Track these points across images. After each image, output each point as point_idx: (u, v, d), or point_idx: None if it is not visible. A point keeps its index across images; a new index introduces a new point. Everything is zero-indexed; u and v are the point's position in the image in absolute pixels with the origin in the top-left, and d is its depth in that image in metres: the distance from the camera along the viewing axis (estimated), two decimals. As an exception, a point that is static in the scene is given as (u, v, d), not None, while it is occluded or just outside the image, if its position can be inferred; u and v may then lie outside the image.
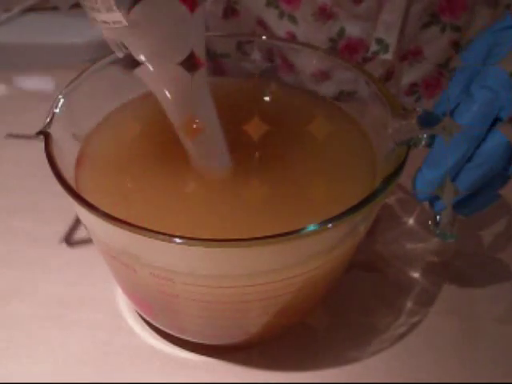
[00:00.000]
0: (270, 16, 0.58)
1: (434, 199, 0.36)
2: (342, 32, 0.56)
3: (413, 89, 0.62)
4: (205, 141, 0.37)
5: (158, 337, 0.41)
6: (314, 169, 0.38)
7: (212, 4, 0.60)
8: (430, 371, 0.39)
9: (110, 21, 0.31)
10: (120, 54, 0.34)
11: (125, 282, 0.38)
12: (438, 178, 0.34)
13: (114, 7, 0.30)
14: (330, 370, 0.39)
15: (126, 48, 0.33)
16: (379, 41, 0.56)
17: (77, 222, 0.47)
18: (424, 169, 0.34)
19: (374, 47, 0.57)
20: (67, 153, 0.36)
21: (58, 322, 0.42)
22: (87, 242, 0.46)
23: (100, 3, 0.30)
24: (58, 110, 0.36)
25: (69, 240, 0.47)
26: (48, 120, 0.35)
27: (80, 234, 0.47)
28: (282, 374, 0.39)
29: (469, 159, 0.33)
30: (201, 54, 0.35)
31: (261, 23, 0.59)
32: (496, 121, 0.33)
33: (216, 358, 0.40)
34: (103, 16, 0.31)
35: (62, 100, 0.36)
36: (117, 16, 0.30)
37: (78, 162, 0.38)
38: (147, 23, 0.32)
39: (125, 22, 0.31)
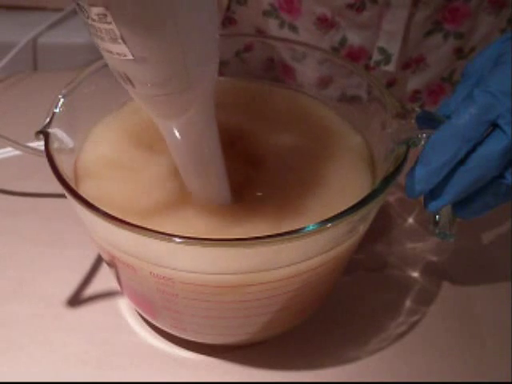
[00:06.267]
0: (270, 25, 0.57)
1: (427, 200, 0.36)
2: (343, 41, 0.56)
3: (416, 96, 0.61)
4: (206, 181, 0.35)
5: (158, 336, 0.41)
6: (314, 168, 0.38)
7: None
8: (429, 370, 0.40)
9: (114, 51, 0.27)
10: (126, 87, 0.30)
11: (125, 281, 0.38)
12: (426, 174, 0.34)
13: (120, 40, 0.26)
14: (329, 370, 0.39)
15: (131, 82, 0.29)
16: (382, 50, 0.56)
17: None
18: (415, 166, 0.34)
19: (376, 56, 0.56)
20: (67, 153, 0.36)
21: (58, 322, 0.42)
22: (86, 243, 0.46)
23: (104, 33, 0.26)
24: (57, 110, 0.36)
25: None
26: (48, 120, 0.35)
27: (79, 236, 0.47)
28: (282, 374, 0.39)
29: (464, 163, 0.34)
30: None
31: (261, 33, 0.59)
32: (495, 127, 0.33)
33: (216, 357, 0.40)
34: (107, 45, 0.27)
35: (61, 100, 0.36)
36: (122, 48, 0.26)
37: (78, 162, 0.39)
38: (155, 59, 0.27)
39: (130, 56, 0.27)
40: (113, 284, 0.43)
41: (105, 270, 0.45)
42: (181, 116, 0.31)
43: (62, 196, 0.32)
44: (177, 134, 0.33)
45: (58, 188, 0.32)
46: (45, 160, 0.33)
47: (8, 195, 0.51)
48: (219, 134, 0.35)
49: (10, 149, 0.54)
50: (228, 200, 0.37)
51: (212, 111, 0.33)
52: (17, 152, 0.51)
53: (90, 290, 0.44)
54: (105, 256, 0.37)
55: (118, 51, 0.27)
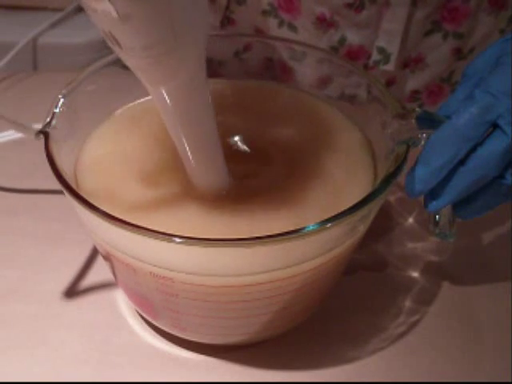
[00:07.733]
0: (270, 25, 0.57)
1: (427, 200, 0.36)
2: (342, 40, 0.56)
3: (415, 96, 0.61)
4: (202, 159, 0.36)
5: (158, 336, 0.41)
6: (314, 168, 0.39)
7: (209, 14, 0.60)
8: (429, 370, 0.40)
9: (98, 9, 0.26)
10: (114, 48, 0.29)
11: (125, 281, 0.38)
12: (426, 174, 0.34)
13: None
14: (329, 370, 0.39)
15: (118, 43, 0.28)
16: (381, 50, 0.56)
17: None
18: (415, 166, 0.34)
19: (375, 56, 0.56)
20: (67, 153, 0.36)
21: (58, 321, 0.42)
22: (86, 242, 0.46)
23: None
24: (57, 110, 0.36)
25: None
26: (48, 120, 0.35)
27: (79, 235, 0.47)
28: (282, 374, 0.39)
29: (464, 163, 0.34)
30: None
31: (260, 32, 0.59)
32: (496, 127, 0.33)
33: (216, 357, 0.40)
34: (92, 3, 0.26)
35: (61, 100, 0.36)
36: (106, 5, 0.26)
37: (78, 162, 0.39)
38: (140, 17, 0.27)
39: (114, 14, 0.26)
40: (113, 284, 0.44)
41: (104, 269, 0.45)
42: (170, 81, 0.31)
43: (61, 194, 0.32)
44: (169, 102, 0.32)
45: (58, 186, 0.32)
46: (44, 157, 0.33)
47: (7, 193, 0.51)
48: (220, 132, 0.35)
49: (8, 133, 0.55)
50: (226, 182, 0.36)
51: (204, 80, 0.32)
52: (17, 135, 0.51)
53: (90, 290, 0.44)
54: (104, 255, 0.37)
55: (102, 8, 0.26)
